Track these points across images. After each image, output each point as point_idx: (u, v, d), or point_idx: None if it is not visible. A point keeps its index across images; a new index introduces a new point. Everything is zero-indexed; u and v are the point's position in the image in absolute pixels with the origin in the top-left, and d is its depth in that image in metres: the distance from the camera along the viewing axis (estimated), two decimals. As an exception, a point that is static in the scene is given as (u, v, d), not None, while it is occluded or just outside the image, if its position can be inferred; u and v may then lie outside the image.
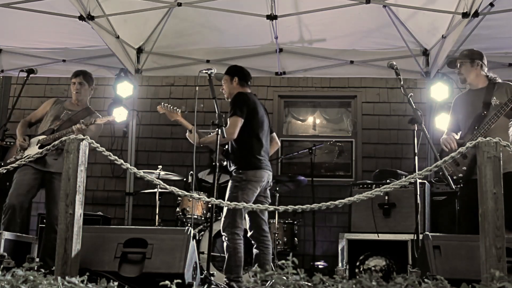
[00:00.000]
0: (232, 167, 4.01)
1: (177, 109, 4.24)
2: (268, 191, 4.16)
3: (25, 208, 4.46)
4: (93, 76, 4.81)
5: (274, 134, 4.46)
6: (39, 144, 4.47)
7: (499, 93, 3.84)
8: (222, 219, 3.93)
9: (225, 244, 3.87)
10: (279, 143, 4.55)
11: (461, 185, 3.84)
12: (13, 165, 3.35)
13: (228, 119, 3.99)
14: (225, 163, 4.14)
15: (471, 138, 3.81)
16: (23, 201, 4.32)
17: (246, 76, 4.29)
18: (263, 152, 4.08)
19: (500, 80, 3.96)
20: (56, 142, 3.07)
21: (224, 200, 3.61)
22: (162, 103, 4.30)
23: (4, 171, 3.29)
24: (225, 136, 3.81)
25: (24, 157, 3.88)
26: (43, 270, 2.38)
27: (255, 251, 4.01)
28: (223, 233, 3.89)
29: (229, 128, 3.91)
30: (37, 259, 4.14)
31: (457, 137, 4.01)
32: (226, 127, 3.89)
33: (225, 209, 3.93)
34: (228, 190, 3.98)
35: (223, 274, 3.91)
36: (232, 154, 4.00)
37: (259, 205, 2.90)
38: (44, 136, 4.51)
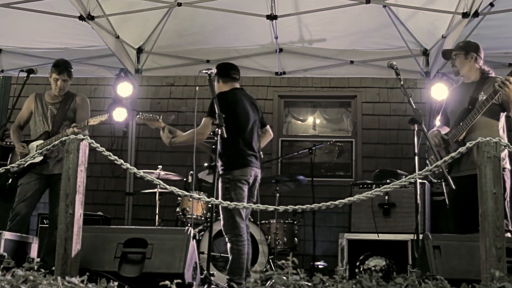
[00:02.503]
0: (220, 168, 3.92)
1: (157, 116, 4.16)
2: (255, 191, 4.06)
3: (30, 214, 4.63)
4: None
5: (268, 127, 4.38)
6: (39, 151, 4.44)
7: (487, 88, 3.72)
8: (222, 222, 3.90)
9: (228, 246, 3.85)
10: (272, 134, 4.45)
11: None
12: (16, 169, 3.40)
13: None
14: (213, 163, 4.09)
15: (455, 133, 3.78)
16: (28, 210, 4.47)
17: (226, 70, 4.16)
18: (248, 149, 3.98)
19: (493, 74, 3.85)
20: (56, 142, 3.07)
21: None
22: (140, 113, 4.18)
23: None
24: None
25: (27, 163, 3.91)
26: (43, 270, 2.38)
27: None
28: (225, 236, 3.87)
29: (200, 128, 3.96)
30: (38, 259, 4.17)
31: (444, 132, 3.93)
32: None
33: (221, 213, 3.89)
34: (219, 192, 3.91)
35: (225, 274, 3.90)
36: (219, 154, 3.79)
37: (259, 205, 2.89)
38: (41, 141, 4.51)
